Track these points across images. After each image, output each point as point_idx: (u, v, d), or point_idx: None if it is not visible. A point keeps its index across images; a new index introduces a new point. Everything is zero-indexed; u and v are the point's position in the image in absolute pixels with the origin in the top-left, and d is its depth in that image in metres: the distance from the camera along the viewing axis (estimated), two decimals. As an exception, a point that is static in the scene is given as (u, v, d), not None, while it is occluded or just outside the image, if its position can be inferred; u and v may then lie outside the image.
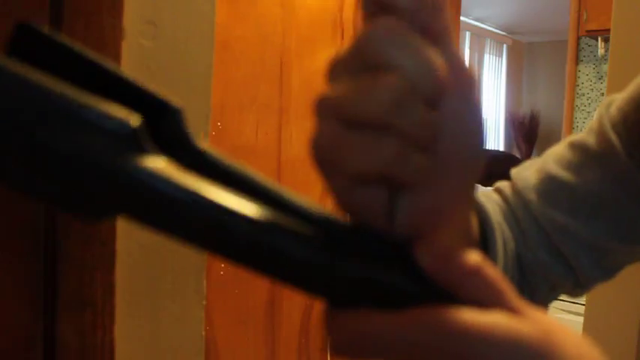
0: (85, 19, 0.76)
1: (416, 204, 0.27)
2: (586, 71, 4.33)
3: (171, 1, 0.80)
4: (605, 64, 4.11)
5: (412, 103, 0.25)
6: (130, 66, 0.76)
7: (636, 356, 1.17)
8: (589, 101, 4.34)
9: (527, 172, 0.51)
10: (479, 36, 5.88)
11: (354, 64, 0.26)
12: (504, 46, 6.23)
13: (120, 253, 0.77)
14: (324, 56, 1.78)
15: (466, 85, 0.28)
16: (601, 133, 0.49)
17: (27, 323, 0.71)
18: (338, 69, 0.27)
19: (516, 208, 0.50)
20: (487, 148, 5.84)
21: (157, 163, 0.23)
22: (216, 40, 0.85)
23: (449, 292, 0.27)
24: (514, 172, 0.53)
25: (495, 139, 6.24)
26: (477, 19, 5.68)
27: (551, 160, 0.51)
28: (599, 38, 4.02)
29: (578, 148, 0.50)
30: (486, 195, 0.51)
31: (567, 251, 0.48)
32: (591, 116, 4.23)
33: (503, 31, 6.08)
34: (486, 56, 6.04)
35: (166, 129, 0.27)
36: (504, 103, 6.29)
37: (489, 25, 5.91)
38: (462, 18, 3.91)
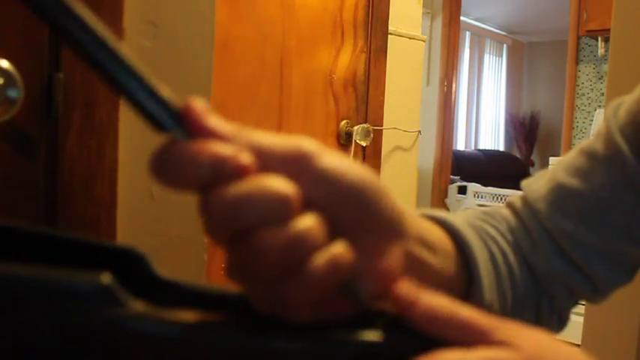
0: (85, 19, 0.75)
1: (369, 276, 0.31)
2: (586, 71, 4.33)
3: (171, 1, 0.80)
4: (605, 64, 4.11)
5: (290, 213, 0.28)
6: (130, 66, 0.76)
7: (636, 356, 1.17)
8: (589, 101, 4.34)
9: (537, 184, 0.51)
10: (479, 36, 5.88)
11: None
12: (504, 46, 6.23)
13: (120, 253, 0.77)
14: (324, 56, 1.79)
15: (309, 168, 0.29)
16: (608, 137, 0.49)
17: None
18: None
19: (527, 219, 0.50)
20: (486, 148, 5.84)
21: (137, 307, 0.26)
22: (216, 40, 0.85)
23: (436, 341, 0.28)
24: (524, 183, 0.52)
25: (495, 139, 6.24)
26: (477, 19, 5.68)
27: (561, 168, 0.51)
28: (599, 38, 4.02)
29: (586, 154, 0.50)
30: (490, 213, 0.51)
31: (580, 259, 0.48)
32: (591, 116, 4.23)
33: (503, 31, 6.08)
34: (486, 56, 6.04)
35: (138, 273, 0.31)
36: (504, 103, 6.28)
37: (489, 25, 5.91)
38: (462, 18, 3.91)
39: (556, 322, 0.50)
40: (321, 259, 0.28)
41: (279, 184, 0.27)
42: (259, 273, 0.27)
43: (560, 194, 0.49)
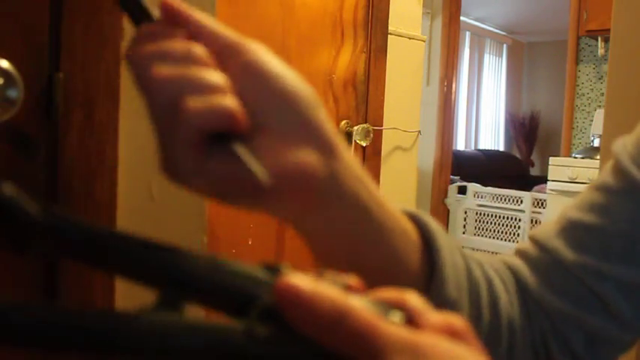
0: (85, 19, 0.76)
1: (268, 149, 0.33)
2: (586, 71, 4.33)
3: (171, 1, 0.80)
4: (605, 64, 4.11)
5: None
6: (130, 66, 0.76)
7: (636, 357, 1.17)
8: (589, 101, 4.34)
9: (544, 228, 0.50)
10: (479, 36, 5.88)
11: None
12: (504, 46, 6.23)
13: (120, 253, 0.77)
14: (324, 56, 1.79)
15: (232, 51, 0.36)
16: (621, 170, 0.48)
17: (27, 323, 0.71)
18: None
19: (538, 259, 0.48)
20: (486, 148, 5.84)
21: None
22: (216, 40, 0.85)
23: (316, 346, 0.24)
24: (530, 233, 0.51)
25: (495, 139, 6.24)
26: (477, 19, 5.68)
27: (572, 208, 0.50)
28: (599, 38, 4.02)
29: (599, 189, 0.49)
30: (486, 256, 0.50)
31: (604, 294, 0.46)
32: (591, 116, 4.23)
33: (503, 31, 6.08)
34: (486, 56, 6.04)
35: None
36: (504, 103, 6.28)
37: (489, 25, 5.91)
38: (462, 18, 3.91)
39: None
40: (201, 100, 0.32)
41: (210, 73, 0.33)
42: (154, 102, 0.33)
43: (577, 231, 0.48)
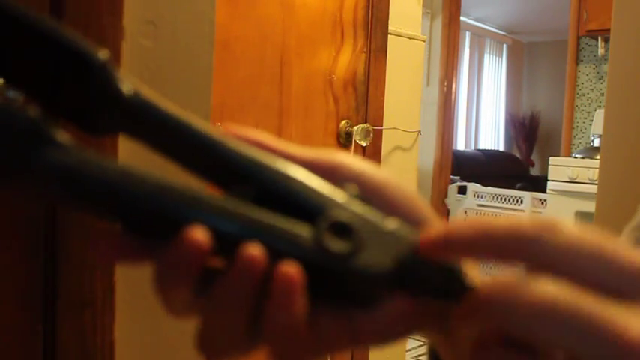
0: (85, 19, 0.76)
1: None
2: (586, 71, 4.33)
3: (171, 1, 0.80)
4: (605, 64, 4.11)
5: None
6: (130, 66, 0.76)
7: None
8: (589, 101, 4.34)
9: None
10: (479, 36, 5.88)
11: None
12: (504, 46, 6.23)
13: (120, 253, 0.77)
14: (324, 56, 1.79)
15: None
16: None
17: (27, 323, 0.71)
18: None
19: None
20: (486, 148, 5.83)
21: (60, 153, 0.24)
22: (216, 40, 0.85)
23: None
24: None
25: (495, 139, 6.24)
26: (476, 19, 5.68)
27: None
28: (599, 38, 4.02)
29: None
30: None
31: None
32: (591, 116, 4.23)
33: (503, 31, 6.08)
34: (486, 56, 6.04)
35: (93, 83, 0.26)
36: (504, 103, 6.28)
37: (489, 25, 5.91)
38: (462, 18, 3.91)
39: None
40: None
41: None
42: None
43: None
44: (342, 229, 0.25)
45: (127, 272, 0.77)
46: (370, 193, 0.30)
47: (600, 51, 4.08)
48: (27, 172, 0.23)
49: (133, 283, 0.79)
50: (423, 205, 0.32)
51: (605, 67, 3.89)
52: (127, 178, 0.24)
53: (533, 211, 3.55)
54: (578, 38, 4.17)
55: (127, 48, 0.76)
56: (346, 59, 1.83)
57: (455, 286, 0.24)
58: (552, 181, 3.52)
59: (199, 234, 0.24)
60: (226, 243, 0.24)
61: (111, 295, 0.75)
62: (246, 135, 0.30)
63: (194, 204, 0.24)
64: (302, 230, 0.25)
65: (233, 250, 0.24)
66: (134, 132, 0.27)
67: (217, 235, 0.24)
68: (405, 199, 0.31)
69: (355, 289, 0.25)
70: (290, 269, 0.24)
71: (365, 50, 1.88)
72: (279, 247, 0.24)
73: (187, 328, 0.84)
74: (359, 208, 0.27)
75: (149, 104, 0.26)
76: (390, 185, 0.31)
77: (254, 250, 0.24)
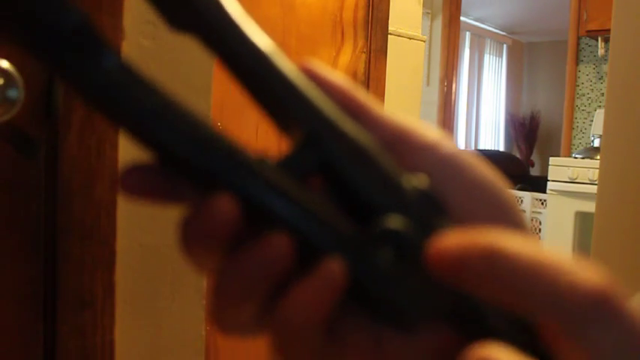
0: (85, 19, 0.75)
1: None
2: (586, 71, 4.33)
3: (171, 1, 0.80)
4: (605, 64, 4.11)
5: None
6: (130, 66, 0.76)
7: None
8: (589, 101, 4.34)
9: None
10: (479, 36, 5.88)
11: None
12: (504, 46, 6.23)
13: (120, 253, 0.77)
14: (324, 56, 1.78)
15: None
16: None
17: (27, 323, 0.71)
18: None
19: None
20: (486, 148, 5.84)
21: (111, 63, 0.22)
22: (216, 40, 0.85)
23: None
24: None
25: (495, 139, 6.24)
26: (477, 19, 5.68)
27: None
28: (599, 38, 4.02)
29: None
30: None
31: None
32: (591, 116, 4.23)
33: (503, 31, 6.08)
34: (486, 56, 6.04)
35: None
36: (504, 103, 6.28)
37: (489, 25, 5.91)
38: (462, 18, 3.91)
39: None
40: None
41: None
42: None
43: None
44: (398, 240, 0.23)
45: (127, 272, 0.77)
46: (443, 171, 0.27)
47: (600, 51, 4.08)
48: (94, 70, 0.22)
49: (133, 283, 0.79)
50: (507, 197, 0.29)
51: (605, 67, 3.89)
52: (170, 112, 0.22)
53: (534, 212, 3.55)
54: (578, 38, 4.17)
55: (127, 48, 0.76)
56: (346, 59, 1.83)
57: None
58: (552, 181, 3.52)
59: (232, 206, 0.22)
60: (261, 217, 0.22)
61: (111, 295, 0.75)
62: (328, 79, 0.26)
63: (244, 173, 0.22)
64: (355, 229, 0.23)
65: (265, 224, 0.22)
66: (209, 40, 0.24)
67: (251, 206, 0.22)
68: (484, 185, 0.29)
69: (399, 309, 0.23)
70: (335, 266, 0.22)
71: (365, 50, 1.88)
72: (323, 243, 0.22)
73: (187, 327, 0.84)
74: (423, 211, 0.24)
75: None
76: (467, 164, 0.29)
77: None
